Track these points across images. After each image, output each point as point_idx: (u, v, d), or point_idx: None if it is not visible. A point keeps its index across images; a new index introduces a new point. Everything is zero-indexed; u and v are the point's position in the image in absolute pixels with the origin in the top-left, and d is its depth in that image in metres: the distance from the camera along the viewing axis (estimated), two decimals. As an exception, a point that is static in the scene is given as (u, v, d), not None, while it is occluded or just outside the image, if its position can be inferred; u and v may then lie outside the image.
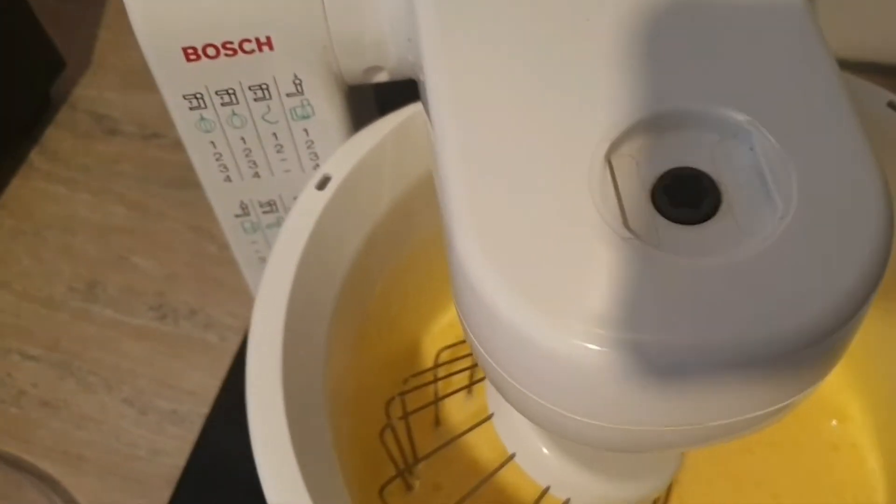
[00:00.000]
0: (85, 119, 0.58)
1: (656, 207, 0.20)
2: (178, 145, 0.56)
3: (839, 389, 0.35)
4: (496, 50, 0.23)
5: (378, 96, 0.36)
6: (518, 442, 0.28)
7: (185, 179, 0.55)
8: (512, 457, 0.28)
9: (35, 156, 0.57)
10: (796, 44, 0.22)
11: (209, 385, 0.47)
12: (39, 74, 0.57)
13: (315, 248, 0.28)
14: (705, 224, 0.20)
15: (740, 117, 0.21)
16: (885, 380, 0.33)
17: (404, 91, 0.30)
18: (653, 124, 0.21)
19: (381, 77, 0.30)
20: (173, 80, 0.28)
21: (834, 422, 0.34)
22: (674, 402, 0.19)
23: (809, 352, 0.19)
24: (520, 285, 0.19)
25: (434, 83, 0.23)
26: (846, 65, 0.23)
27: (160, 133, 0.57)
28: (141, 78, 0.60)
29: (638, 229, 0.20)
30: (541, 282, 0.19)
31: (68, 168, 0.56)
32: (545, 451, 0.28)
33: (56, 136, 0.58)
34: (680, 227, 0.20)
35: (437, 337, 0.37)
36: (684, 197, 0.20)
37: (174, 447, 0.45)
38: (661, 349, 0.18)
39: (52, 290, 0.51)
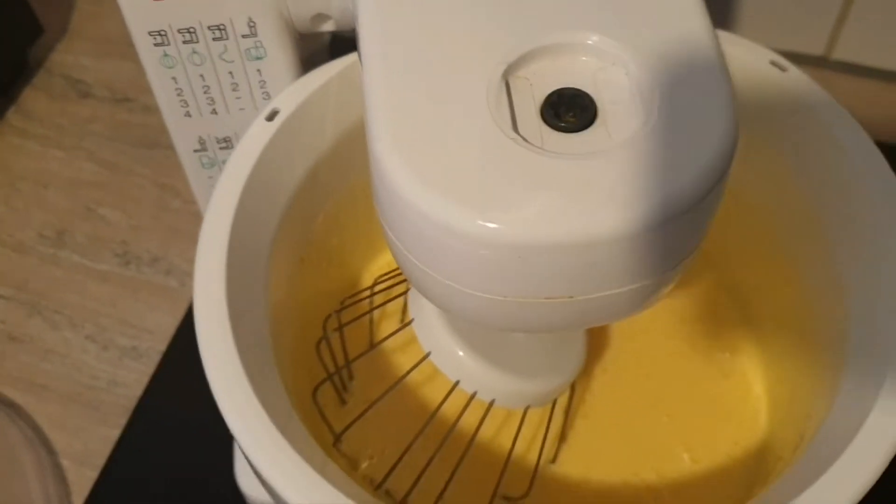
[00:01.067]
0: (60, 82, 0.62)
1: (543, 119, 0.24)
2: (147, 109, 0.60)
3: (734, 325, 0.39)
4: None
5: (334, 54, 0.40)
6: (432, 341, 0.32)
7: (153, 140, 0.58)
8: (427, 355, 0.32)
9: (11, 115, 0.60)
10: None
11: (168, 324, 0.50)
12: (18, 39, 0.60)
13: (260, 174, 0.32)
14: (582, 132, 0.24)
15: (618, 48, 0.25)
16: (770, 317, 0.37)
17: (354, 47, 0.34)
18: (545, 51, 0.25)
19: (329, 26, 0.33)
20: (140, 17, 0.31)
21: (727, 354, 0.38)
22: (547, 273, 0.23)
23: (670, 227, 0.23)
24: (421, 173, 0.23)
25: (363, 16, 0.26)
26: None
27: (131, 98, 0.60)
28: (115, 47, 0.64)
29: (526, 134, 0.24)
30: (439, 171, 0.23)
31: (43, 127, 0.59)
32: (453, 347, 0.31)
33: (32, 97, 0.61)
34: (561, 134, 0.24)
35: (374, 272, 0.41)
36: (566, 111, 0.24)
37: (133, 379, 0.48)
38: (533, 226, 0.22)
39: (23, 236, 0.54)
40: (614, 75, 0.25)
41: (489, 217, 0.22)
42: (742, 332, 0.39)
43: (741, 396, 0.37)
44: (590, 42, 0.25)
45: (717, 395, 0.37)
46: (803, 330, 0.33)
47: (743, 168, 0.34)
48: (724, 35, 0.34)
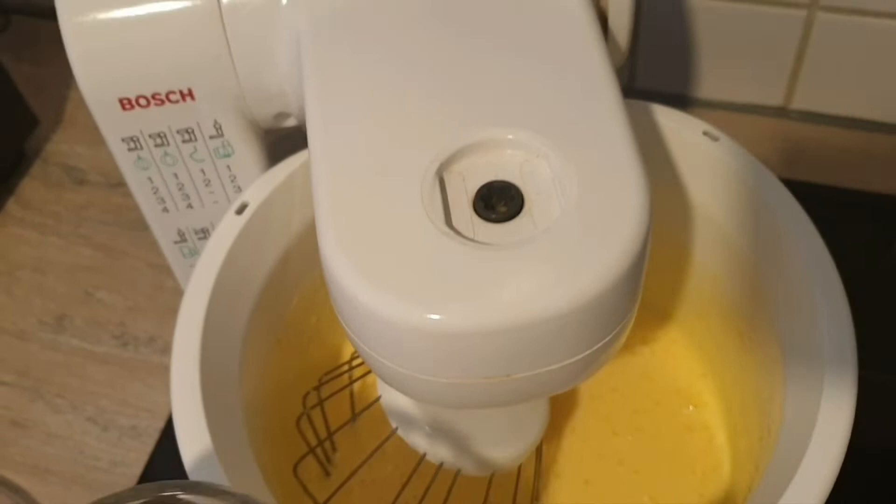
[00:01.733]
0: (56, 171, 0.65)
1: (475, 211, 0.27)
2: (139, 192, 0.62)
3: (696, 379, 0.41)
4: (358, 96, 0.29)
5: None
6: (397, 417, 0.34)
7: (146, 222, 0.61)
8: (395, 430, 0.34)
9: (11, 205, 0.63)
10: (586, 69, 0.29)
11: (165, 403, 0.52)
12: (15, 132, 0.63)
13: (232, 265, 0.34)
14: (510, 221, 0.26)
15: (540, 141, 0.27)
16: (729, 370, 0.39)
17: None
18: (475, 147, 0.27)
19: (290, 122, 0.36)
20: (112, 126, 0.34)
21: (691, 407, 0.40)
22: (479, 358, 0.25)
23: (585, 314, 0.25)
24: (363, 269, 0.25)
25: (308, 119, 0.29)
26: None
27: (123, 182, 0.63)
28: (108, 133, 0.66)
29: (459, 227, 0.26)
30: (379, 267, 0.25)
31: (41, 215, 0.62)
32: (416, 422, 0.33)
33: (30, 186, 0.64)
34: (492, 224, 0.26)
35: (353, 345, 0.43)
36: (495, 202, 0.26)
37: (133, 458, 0.50)
38: (464, 318, 0.24)
39: (24, 324, 0.56)
40: (538, 167, 0.27)
41: (425, 310, 0.24)
42: (704, 384, 0.40)
43: (704, 448, 0.39)
44: (513, 137, 0.27)
45: (681, 448, 0.39)
46: (755, 381, 0.35)
47: (687, 231, 0.36)
48: (658, 108, 0.36)
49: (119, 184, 0.63)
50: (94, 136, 0.67)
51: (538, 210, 0.26)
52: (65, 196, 0.63)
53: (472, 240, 0.26)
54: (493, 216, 0.26)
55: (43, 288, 0.58)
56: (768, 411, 0.33)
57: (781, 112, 0.58)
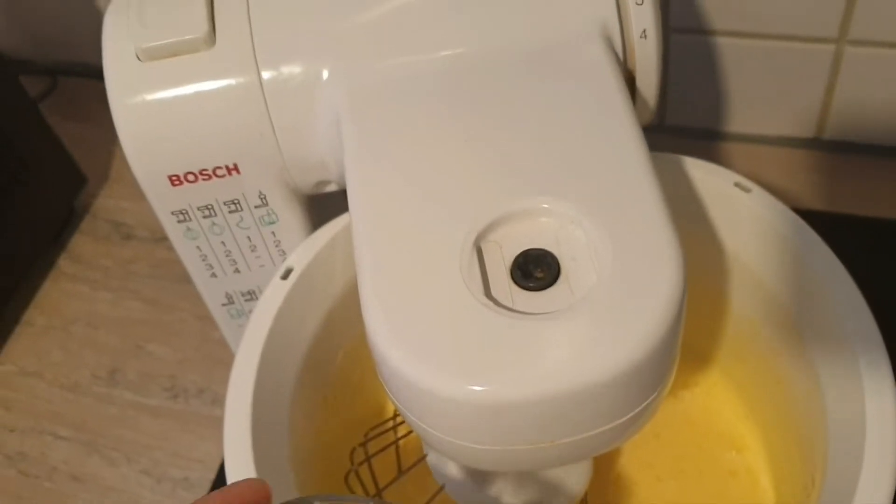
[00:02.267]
0: (104, 226, 0.67)
1: (513, 280, 0.27)
2: (185, 245, 0.64)
3: (738, 422, 0.41)
4: (396, 169, 0.30)
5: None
6: (444, 475, 0.34)
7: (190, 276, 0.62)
8: (442, 488, 0.35)
9: (62, 260, 0.65)
10: (615, 134, 0.29)
11: (216, 453, 0.53)
12: (65, 191, 0.66)
13: (280, 328, 0.35)
14: (548, 290, 0.27)
15: (574, 209, 0.28)
16: (771, 416, 0.39)
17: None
18: (510, 217, 0.28)
19: (331, 188, 0.37)
20: (163, 201, 0.35)
21: (734, 452, 0.40)
22: (521, 426, 0.26)
23: (623, 382, 0.25)
24: (406, 344, 0.26)
25: (349, 194, 0.30)
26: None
27: (167, 236, 0.65)
28: (152, 188, 0.68)
29: (498, 297, 0.27)
30: (422, 341, 0.26)
31: (91, 270, 0.64)
32: (462, 480, 0.34)
33: (80, 242, 0.66)
34: (530, 293, 0.27)
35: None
36: (533, 271, 0.27)
37: (186, 509, 0.51)
38: (505, 388, 0.25)
39: (79, 378, 0.58)
40: (573, 233, 0.28)
41: (467, 381, 0.25)
42: (747, 427, 0.41)
43: (748, 493, 0.39)
44: (548, 206, 0.28)
45: (726, 493, 0.39)
46: (797, 428, 0.35)
47: (723, 279, 0.37)
48: (690, 161, 0.37)
49: (163, 238, 0.65)
50: (139, 191, 0.69)
51: (574, 277, 0.27)
52: (113, 251, 0.65)
53: (510, 309, 0.27)
54: (531, 284, 0.27)
55: (95, 342, 0.60)
56: (811, 459, 0.33)
57: (814, 143, 0.59)
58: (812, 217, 0.54)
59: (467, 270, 0.27)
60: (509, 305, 0.27)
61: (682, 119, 0.60)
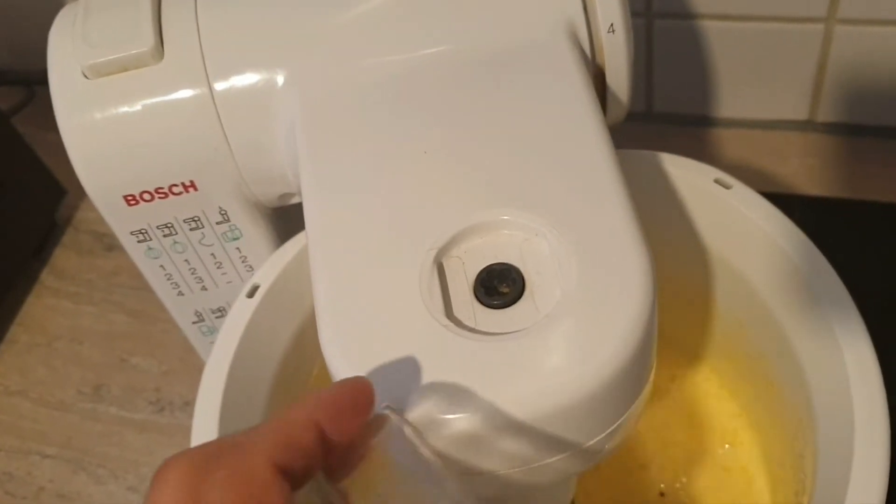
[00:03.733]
0: (87, 238, 0.66)
1: (476, 297, 0.26)
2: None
3: (730, 419, 0.39)
4: (351, 182, 0.29)
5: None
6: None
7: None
8: None
9: (45, 275, 0.64)
10: (581, 141, 0.28)
11: (202, 468, 0.52)
12: (45, 203, 0.64)
13: (247, 348, 0.34)
14: (512, 307, 0.26)
15: (537, 220, 0.26)
16: (763, 416, 0.38)
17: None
18: (473, 230, 0.27)
19: (296, 200, 0.36)
20: (120, 222, 0.34)
21: (727, 446, 0.39)
22: (491, 453, 0.24)
23: (589, 406, 0.24)
24: (364, 372, 0.25)
25: (305, 209, 0.29)
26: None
27: (153, 244, 0.64)
28: (134, 196, 0.67)
29: (460, 316, 0.26)
30: (381, 367, 0.25)
31: (74, 284, 0.63)
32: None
33: (62, 255, 0.65)
34: (493, 311, 0.26)
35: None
36: (496, 287, 0.26)
37: (174, 526, 0.50)
38: (471, 418, 0.24)
39: (64, 395, 0.57)
40: (538, 245, 0.27)
41: (429, 412, 0.24)
42: (740, 423, 0.39)
43: (743, 491, 0.37)
44: (509, 218, 0.27)
45: (719, 489, 0.38)
46: (788, 433, 0.34)
47: (707, 279, 0.36)
48: (669, 157, 0.35)
49: (148, 246, 0.64)
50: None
51: (540, 292, 0.26)
52: (96, 263, 0.64)
53: (473, 330, 0.25)
54: (495, 302, 0.26)
55: (80, 357, 0.59)
56: (801, 467, 0.32)
57: (807, 126, 0.57)
58: (806, 202, 0.53)
59: (427, 290, 0.26)
60: (472, 326, 0.25)
61: (670, 106, 0.58)
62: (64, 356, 0.59)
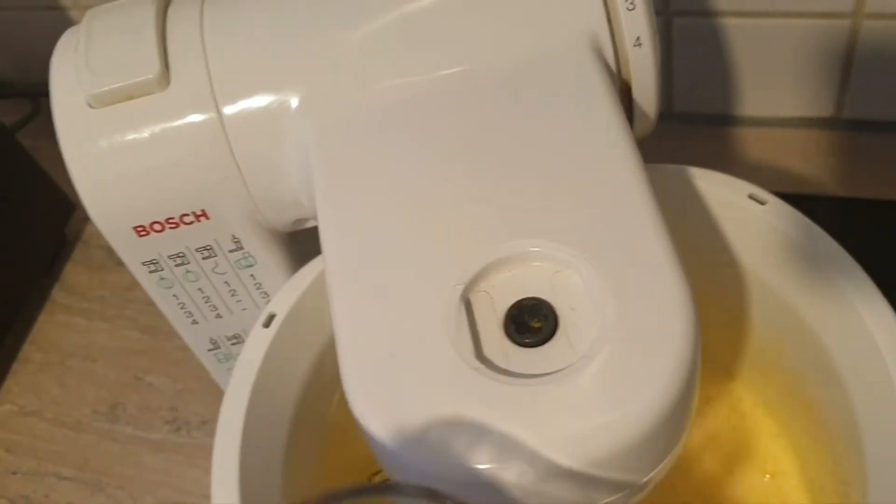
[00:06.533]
0: (98, 253, 0.65)
1: (507, 335, 0.25)
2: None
3: (769, 442, 0.38)
4: (373, 208, 0.28)
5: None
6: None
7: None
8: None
9: (56, 292, 0.63)
10: (611, 165, 0.27)
11: (221, 489, 0.51)
12: (54, 219, 0.63)
13: (266, 379, 0.33)
14: (546, 345, 0.24)
15: (568, 252, 0.25)
16: (806, 438, 0.36)
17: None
18: (500, 263, 0.26)
19: (311, 224, 0.34)
20: (131, 252, 0.33)
21: (767, 477, 0.37)
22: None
23: (633, 451, 0.23)
24: (392, 419, 0.24)
25: (323, 243, 0.27)
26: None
27: (165, 258, 0.63)
28: (144, 209, 0.66)
29: (491, 356, 0.24)
30: (409, 413, 0.24)
31: (86, 300, 0.62)
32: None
33: (74, 272, 0.64)
34: (526, 350, 0.24)
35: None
36: (527, 323, 0.25)
37: (194, 549, 0.49)
38: (500, 471, 0.22)
39: (79, 415, 0.56)
40: (569, 278, 0.25)
41: (462, 461, 0.23)
42: (780, 447, 0.38)
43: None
44: (539, 249, 0.25)
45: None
46: (832, 459, 0.32)
47: (742, 297, 0.34)
48: (701, 172, 0.34)
49: (159, 260, 0.63)
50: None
51: (574, 329, 0.24)
52: (108, 279, 0.63)
53: (506, 371, 0.24)
54: (527, 339, 0.24)
55: (94, 376, 0.58)
56: (846, 495, 0.30)
57: (833, 123, 0.55)
58: (833, 204, 0.51)
59: (455, 329, 0.24)
60: (504, 367, 0.24)
61: (690, 105, 0.57)
62: (78, 375, 0.58)
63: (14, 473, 0.55)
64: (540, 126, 0.28)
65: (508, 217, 0.26)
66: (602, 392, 0.23)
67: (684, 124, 0.57)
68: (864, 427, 0.29)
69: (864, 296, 0.30)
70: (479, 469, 0.23)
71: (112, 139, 0.30)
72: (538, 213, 0.26)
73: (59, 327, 0.61)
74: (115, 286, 0.62)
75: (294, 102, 0.31)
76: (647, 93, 0.30)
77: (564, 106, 0.28)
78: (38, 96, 0.71)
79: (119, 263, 0.63)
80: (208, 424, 0.54)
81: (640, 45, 0.29)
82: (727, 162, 0.56)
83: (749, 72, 0.53)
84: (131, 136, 0.30)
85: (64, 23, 0.68)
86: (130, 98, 0.30)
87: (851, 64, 0.51)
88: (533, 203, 0.26)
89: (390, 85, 0.30)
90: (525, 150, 0.27)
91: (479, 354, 0.24)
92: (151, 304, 0.61)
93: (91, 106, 0.31)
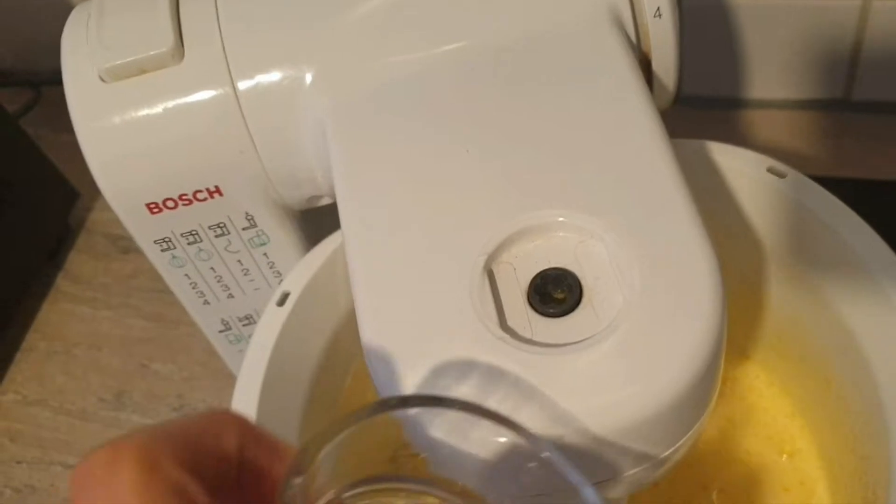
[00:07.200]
0: (101, 241, 0.64)
1: (531, 305, 0.24)
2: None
3: (786, 422, 0.38)
4: (391, 187, 0.27)
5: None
6: None
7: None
8: None
9: (61, 280, 0.63)
10: (635, 135, 0.26)
11: (230, 476, 0.51)
12: (58, 206, 0.63)
13: (279, 358, 0.33)
14: (570, 315, 0.24)
15: (593, 222, 0.25)
16: (825, 416, 0.36)
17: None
18: (524, 233, 0.25)
19: (325, 201, 0.34)
20: (143, 230, 0.33)
21: (784, 457, 0.37)
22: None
23: (661, 420, 0.22)
24: (410, 390, 0.23)
25: (343, 221, 0.27)
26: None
27: (169, 246, 0.62)
28: (148, 197, 0.66)
29: (515, 326, 0.24)
30: (435, 385, 0.23)
31: (91, 288, 0.62)
32: None
33: (78, 259, 0.63)
34: (550, 320, 0.24)
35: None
36: (551, 294, 0.24)
37: (203, 537, 0.49)
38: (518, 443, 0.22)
39: (85, 403, 0.56)
40: (594, 248, 0.25)
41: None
42: (797, 426, 0.37)
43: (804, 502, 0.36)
44: (563, 219, 0.25)
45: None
46: (851, 435, 0.32)
47: (759, 273, 0.34)
48: (718, 146, 0.33)
49: (164, 248, 0.62)
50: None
51: (599, 299, 0.24)
52: (112, 267, 0.62)
53: (531, 342, 0.23)
54: (552, 310, 0.24)
55: (99, 364, 0.58)
56: (867, 470, 0.30)
57: (843, 105, 0.55)
58: (843, 186, 0.51)
59: (479, 299, 0.24)
60: (529, 337, 0.24)
61: (699, 88, 0.56)
62: (83, 363, 0.58)
63: (19, 463, 0.54)
64: (560, 96, 0.28)
65: (531, 188, 0.26)
66: (626, 363, 0.23)
67: (693, 107, 0.57)
68: (887, 400, 0.29)
69: (888, 269, 0.29)
70: (507, 444, 0.22)
71: (125, 114, 0.30)
72: (561, 183, 0.26)
73: (63, 316, 0.61)
74: (118, 274, 0.62)
75: (308, 78, 0.31)
76: (667, 65, 0.30)
77: (585, 76, 0.28)
78: (38, 84, 0.71)
79: (123, 251, 0.63)
80: (216, 411, 0.54)
81: (660, 15, 0.29)
82: (737, 144, 0.55)
83: (758, 54, 0.53)
84: (144, 111, 0.30)
85: (64, 10, 0.67)
86: (144, 72, 0.30)
87: (861, 46, 0.51)
88: (556, 174, 0.26)
89: (406, 58, 0.30)
90: (545, 120, 0.27)
91: (504, 324, 0.24)
92: (156, 291, 0.60)
93: (103, 80, 0.30)
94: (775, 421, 0.38)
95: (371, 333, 0.25)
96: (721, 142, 0.33)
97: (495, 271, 0.25)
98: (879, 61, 0.52)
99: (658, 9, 0.29)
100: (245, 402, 0.32)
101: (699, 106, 0.57)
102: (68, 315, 0.61)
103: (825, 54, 0.52)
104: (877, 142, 0.54)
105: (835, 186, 0.51)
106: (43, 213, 0.61)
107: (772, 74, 0.55)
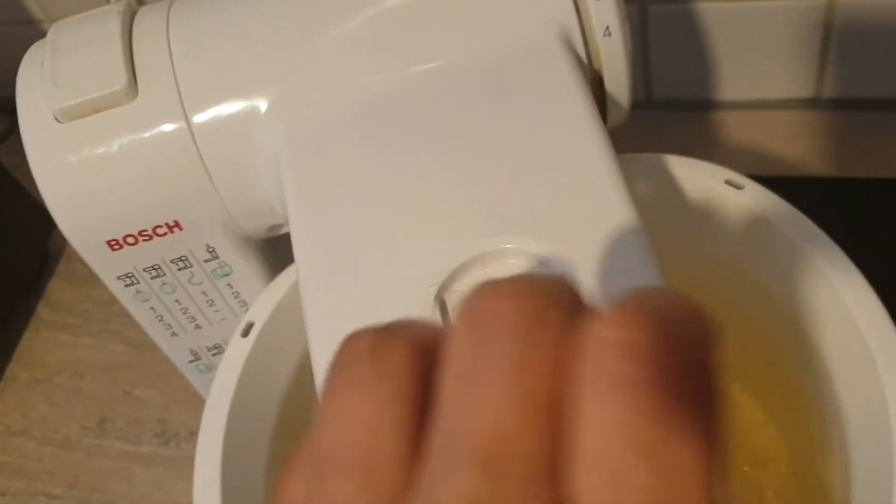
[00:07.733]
0: (80, 268, 0.64)
1: (483, 335, 0.24)
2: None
3: (760, 433, 0.38)
4: (345, 214, 0.27)
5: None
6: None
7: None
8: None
9: (42, 309, 0.63)
10: (582, 158, 0.26)
11: (214, 500, 0.51)
12: (36, 233, 0.63)
13: (246, 389, 0.33)
14: (522, 345, 0.24)
15: (542, 249, 0.25)
16: (795, 430, 0.36)
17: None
18: (474, 262, 0.25)
19: (286, 230, 0.34)
20: (105, 267, 0.33)
21: (755, 466, 0.37)
22: None
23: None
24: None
25: (296, 251, 0.27)
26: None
27: (149, 269, 0.62)
28: (126, 221, 0.65)
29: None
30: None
31: (71, 315, 0.62)
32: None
33: (58, 287, 0.63)
34: (503, 350, 0.24)
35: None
36: (503, 324, 0.24)
37: (189, 562, 0.49)
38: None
39: (68, 431, 0.56)
40: (545, 272, 0.25)
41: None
42: (769, 435, 0.37)
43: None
44: (512, 246, 0.25)
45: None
46: (823, 450, 0.32)
47: (723, 285, 0.34)
48: (678, 160, 0.33)
49: (143, 272, 0.62)
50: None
51: (550, 326, 0.24)
52: (92, 292, 0.62)
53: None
54: (502, 340, 0.24)
55: (82, 391, 0.58)
56: (832, 482, 0.30)
57: (814, 104, 0.55)
58: (817, 184, 0.51)
59: (430, 331, 0.24)
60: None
61: (670, 92, 0.56)
62: (66, 391, 0.58)
63: (3, 495, 0.54)
64: (510, 119, 0.28)
65: (482, 214, 0.26)
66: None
67: (665, 111, 0.57)
68: (847, 411, 0.29)
69: (845, 276, 0.29)
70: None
71: (81, 153, 0.30)
72: (512, 208, 0.26)
73: (45, 344, 0.61)
74: (98, 299, 0.62)
75: (263, 107, 0.31)
76: (619, 82, 0.30)
77: (534, 98, 0.28)
78: (14, 112, 0.71)
79: (102, 277, 0.63)
80: (196, 436, 0.54)
81: (609, 34, 0.29)
82: (710, 147, 0.55)
83: (728, 56, 0.53)
84: (100, 150, 0.30)
85: (39, 37, 0.67)
86: (98, 111, 0.30)
87: (829, 43, 0.51)
88: (506, 199, 0.26)
89: (360, 83, 0.30)
90: (496, 143, 0.27)
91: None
92: (136, 316, 0.60)
93: (58, 121, 0.30)
94: (749, 431, 0.38)
95: (325, 367, 0.25)
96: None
97: (447, 301, 0.25)
98: (848, 58, 0.52)
99: (607, 27, 0.29)
100: (212, 431, 0.32)
101: (671, 109, 0.57)
102: (50, 343, 0.61)
103: (794, 53, 0.53)
104: (849, 139, 0.54)
105: (810, 185, 0.51)
106: (22, 241, 0.61)
107: (742, 75, 0.55)
